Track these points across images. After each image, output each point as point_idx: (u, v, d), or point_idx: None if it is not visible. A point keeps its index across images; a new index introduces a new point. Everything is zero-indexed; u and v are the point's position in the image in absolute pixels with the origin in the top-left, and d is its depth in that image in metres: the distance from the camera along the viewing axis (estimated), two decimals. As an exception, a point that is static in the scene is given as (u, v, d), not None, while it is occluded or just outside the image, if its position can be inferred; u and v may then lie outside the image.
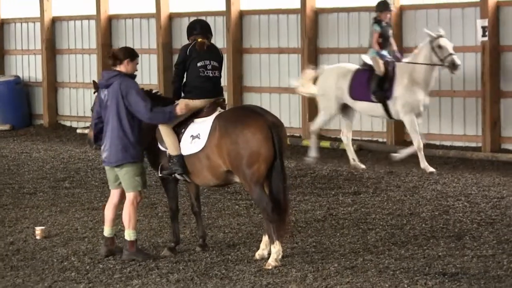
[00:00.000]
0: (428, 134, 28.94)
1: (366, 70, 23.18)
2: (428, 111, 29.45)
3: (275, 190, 15.01)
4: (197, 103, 15.47)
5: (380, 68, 22.65)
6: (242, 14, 33.66)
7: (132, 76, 15.10)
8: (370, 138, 31.04)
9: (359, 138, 30.72)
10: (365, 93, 22.92)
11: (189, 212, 17.07)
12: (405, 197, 21.69)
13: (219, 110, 15.63)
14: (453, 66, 22.27)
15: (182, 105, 15.20)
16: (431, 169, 22.63)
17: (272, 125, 14.97)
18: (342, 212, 19.90)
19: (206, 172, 15.60)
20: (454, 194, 21.99)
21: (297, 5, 32.29)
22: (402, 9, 30.28)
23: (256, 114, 15.32)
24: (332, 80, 24.01)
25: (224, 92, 16.62)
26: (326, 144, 30.72)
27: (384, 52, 23.00)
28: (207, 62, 15.74)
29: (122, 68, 14.90)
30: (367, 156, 29.34)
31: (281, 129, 15.15)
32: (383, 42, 23.19)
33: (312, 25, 31.87)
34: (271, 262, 14.62)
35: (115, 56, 15.10)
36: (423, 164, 22.89)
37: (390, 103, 22.72)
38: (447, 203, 20.70)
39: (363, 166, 23.91)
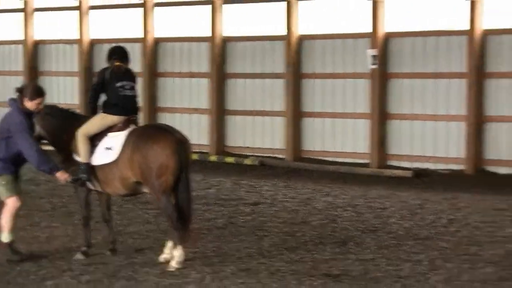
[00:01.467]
0: (323, 152, 29.58)
1: None
2: (322, 131, 30.18)
3: (180, 200, 15.12)
4: (114, 118, 15.43)
5: None
6: (157, 42, 34.00)
7: (29, 113, 14.92)
8: (270, 155, 31.11)
9: (261, 154, 31.05)
10: None
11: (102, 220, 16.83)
12: (299, 207, 21.85)
13: (132, 127, 15.63)
14: None
15: (64, 176, 15.19)
16: None
17: (179, 142, 15.10)
18: (241, 220, 19.97)
19: (116, 182, 15.57)
20: (342, 205, 22.26)
21: (207, 33, 32.14)
22: (301, 38, 30.68)
23: (165, 132, 15.46)
24: None
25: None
26: (231, 159, 30.93)
27: None
28: (125, 82, 15.76)
29: (24, 101, 14.81)
30: (268, 171, 29.33)
31: (187, 145, 15.27)
32: None
33: (220, 52, 32.22)
34: (174, 264, 14.76)
35: (21, 89, 15.08)
36: None
37: None
38: (336, 213, 20.93)
39: None
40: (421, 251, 16.31)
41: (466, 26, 28.11)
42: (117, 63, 15.51)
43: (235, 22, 31.45)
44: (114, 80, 15.77)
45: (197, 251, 16.05)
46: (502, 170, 27.26)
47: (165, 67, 32.36)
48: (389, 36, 29.13)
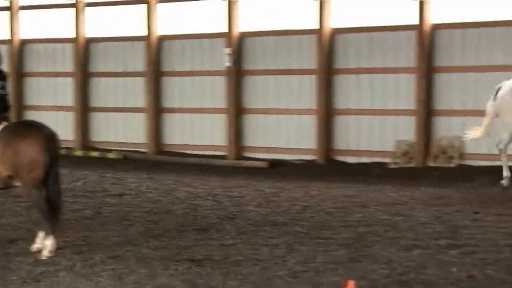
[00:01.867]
0: (183, 145, 30.06)
1: None
2: (182, 126, 30.68)
3: (50, 193, 15.11)
4: None
5: None
6: (23, 43, 33.49)
7: None
8: (133, 149, 31.39)
9: (124, 148, 31.36)
10: None
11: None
12: (162, 197, 22.24)
13: (3, 124, 15.70)
14: None
15: None
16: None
17: (48, 137, 15.08)
18: (108, 211, 20.10)
19: None
20: (203, 194, 22.66)
21: (72, 34, 32.31)
22: (161, 39, 30.93)
23: (34, 128, 15.41)
24: (509, 93, 20.70)
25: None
26: (95, 154, 31.24)
27: None
28: None
29: None
30: (131, 164, 29.72)
31: (56, 141, 15.34)
32: None
33: (84, 52, 32.04)
34: (45, 253, 14.71)
35: None
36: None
37: None
38: (197, 202, 21.21)
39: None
40: (278, 236, 16.54)
41: (316, 26, 28.63)
42: None
43: (98, 24, 31.56)
44: None
45: (67, 241, 15.86)
46: (351, 160, 28.06)
47: (31, 66, 32.05)
48: (243, 35, 29.57)
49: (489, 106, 20.71)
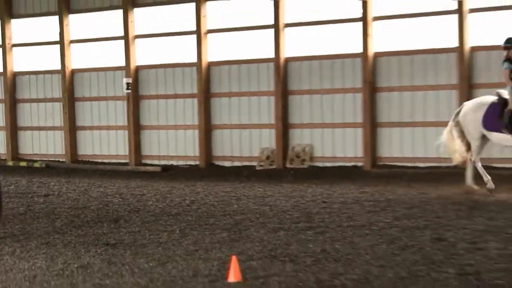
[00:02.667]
0: (94, 155, 30.38)
1: (498, 104, 18.19)
2: (93, 140, 30.63)
3: None
4: None
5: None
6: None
7: None
8: (54, 159, 31.26)
9: (46, 159, 31.23)
10: (497, 125, 18.05)
11: None
12: (79, 196, 22.19)
13: None
14: None
15: None
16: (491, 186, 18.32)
17: None
18: (37, 208, 20.02)
19: None
20: (112, 193, 22.76)
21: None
22: (73, 72, 30.92)
23: None
24: (470, 113, 18.86)
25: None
26: (23, 164, 31.08)
27: None
28: None
29: None
30: (53, 171, 29.68)
31: None
32: None
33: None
34: None
35: None
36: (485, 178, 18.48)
37: None
38: (108, 199, 21.34)
39: (476, 187, 18.91)
40: (173, 224, 16.81)
41: (194, 59, 28.55)
42: None
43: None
44: None
45: (7, 231, 16.16)
46: (226, 164, 28.21)
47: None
48: (139, 68, 29.54)
49: (451, 125, 19.32)
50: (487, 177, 18.33)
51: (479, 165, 18.53)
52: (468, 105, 18.86)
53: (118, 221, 17.62)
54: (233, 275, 11.41)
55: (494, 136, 18.02)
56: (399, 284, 10.98)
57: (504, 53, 17.58)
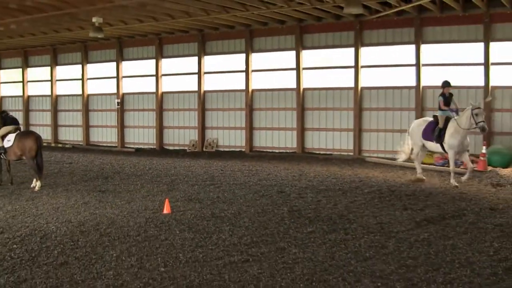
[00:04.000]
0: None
1: (433, 122, 17.42)
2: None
3: (38, 161, 16.27)
4: (9, 128, 17.01)
5: (441, 123, 17.05)
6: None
7: None
8: (77, 143, 32.05)
9: (73, 143, 32.12)
10: (431, 137, 17.31)
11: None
12: (88, 164, 22.55)
13: (18, 132, 17.04)
14: (482, 130, 16.10)
15: None
16: (455, 184, 16.62)
17: (37, 137, 16.60)
18: (64, 170, 20.57)
19: (12, 154, 16.74)
20: (105, 162, 23.11)
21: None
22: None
23: (30, 133, 16.95)
24: (415, 128, 18.03)
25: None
26: (60, 145, 31.64)
27: (448, 111, 17.13)
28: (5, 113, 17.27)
29: None
30: (76, 150, 29.70)
31: (40, 138, 16.64)
32: (446, 105, 17.09)
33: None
34: (37, 188, 16.02)
35: None
36: (452, 180, 16.71)
37: (444, 144, 16.92)
38: (103, 166, 21.60)
39: (424, 178, 17.95)
40: (137, 180, 17.43)
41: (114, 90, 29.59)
42: None
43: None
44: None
45: (46, 183, 16.70)
46: (171, 148, 28.96)
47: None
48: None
49: (407, 137, 18.69)
50: (419, 170, 17.91)
51: (416, 162, 18.05)
52: (415, 122, 18.48)
53: (107, 178, 18.44)
54: (166, 209, 12.52)
55: (428, 144, 17.54)
56: (257, 215, 12.19)
57: (442, 90, 17.23)
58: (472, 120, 16.36)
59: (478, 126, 16.27)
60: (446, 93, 17.29)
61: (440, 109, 17.27)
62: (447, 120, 17.16)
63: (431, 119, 17.94)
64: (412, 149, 18.39)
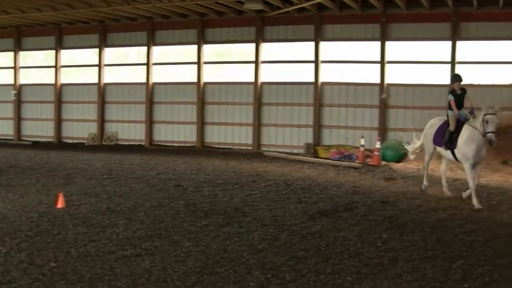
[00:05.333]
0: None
1: (447, 123, 14.25)
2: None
3: None
4: None
5: (452, 124, 13.90)
6: None
7: None
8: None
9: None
10: (441, 141, 14.27)
11: None
12: None
13: None
14: (489, 142, 13.03)
15: None
16: (478, 206, 12.90)
17: None
18: None
19: None
20: (1, 156, 22.19)
21: None
22: None
23: None
24: (428, 129, 15.00)
25: None
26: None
27: (460, 112, 13.79)
28: None
29: None
30: None
31: None
32: (458, 104, 13.76)
33: None
34: None
35: None
36: (474, 201, 13.03)
37: (456, 151, 13.76)
38: None
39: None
40: (33, 174, 17.11)
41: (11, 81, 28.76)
42: None
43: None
44: None
45: None
46: (70, 141, 28.78)
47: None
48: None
49: (421, 136, 15.59)
50: (426, 182, 15.04)
51: (424, 172, 15.17)
52: (430, 122, 15.30)
53: (1, 172, 17.98)
54: (60, 204, 12.33)
55: (439, 150, 14.61)
56: (152, 209, 12.14)
57: (451, 86, 14.13)
58: (482, 127, 13.18)
59: (486, 136, 13.10)
60: (457, 89, 14.06)
61: (450, 109, 14.14)
62: (460, 122, 13.98)
63: (444, 118, 14.82)
64: (417, 151, 16.05)
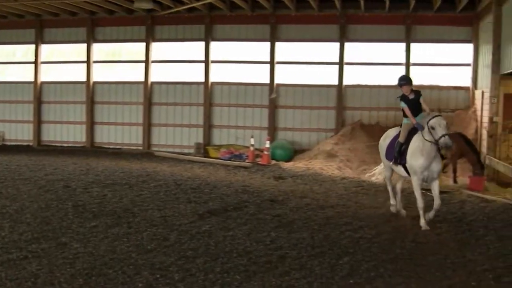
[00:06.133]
0: None
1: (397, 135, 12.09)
2: None
3: None
4: None
5: (402, 135, 11.83)
6: None
7: None
8: None
9: None
10: (392, 156, 12.06)
11: None
12: None
13: None
14: (446, 148, 11.26)
15: None
16: (426, 227, 10.99)
17: None
18: None
19: None
20: None
21: None
22: None
23: None
24: (382, 141, 12.71)
25: None
26: None
27: (418, 120, 11.50)
28: None
29: None
30: None
31: None
32: (414, 111, 11.54)
33: None
34: None
35: None
36: (422, 221, 11.21)
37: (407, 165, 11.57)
38: None
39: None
40: None
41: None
42: None
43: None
44: None
45: None
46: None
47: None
48: None
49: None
50: (392, 201, 12.77)
51: (389, 189, 12.86)
52: (385, 133, 13.09)
53: None
54: None
55: (391, 166, 12.36)
56: (40, 211, 11.93)
57: (403, 90, 11.75)
58: (430, 135, 11.29)
59: (439, 143, 11.16)
60: (408, 93, 11.77)
61: (405, 116, 11.94)
62: (412, 131, 11.86)
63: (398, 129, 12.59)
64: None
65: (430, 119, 11.29)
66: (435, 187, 11.57)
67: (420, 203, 11.50)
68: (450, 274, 8.27)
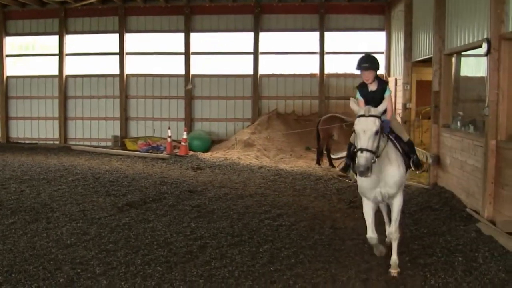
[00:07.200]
0: None
1: None
2: None
3: None
4: None
5: (353, 136, 8.02)
6: None
7: None
8: None
9: None
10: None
11: None
12: None
13: None
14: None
15: None
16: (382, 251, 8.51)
17: None
18: None
19: None
20: None
21: None
22: None
23: None
24: None
25: None
26: None
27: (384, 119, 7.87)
28: None
29: None
30: None
31: None
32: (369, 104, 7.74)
33: None
34: None
35: None
36: (375, 251, 8.53)
37: None
38: None
39: None
40: None
41: None
42: None
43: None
44: None
45: None
46: None
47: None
48: None
49: None
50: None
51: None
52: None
53: None
54: None
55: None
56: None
57: (363, 77, 8.27)
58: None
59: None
60: (370, 82, 8.36)
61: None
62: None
63: None
64: None
65: (357, 118, 7.64)
66: (395, 223, 8.21)
67: (370, 231, 8.25)
68: (368, 258, 8.53)
